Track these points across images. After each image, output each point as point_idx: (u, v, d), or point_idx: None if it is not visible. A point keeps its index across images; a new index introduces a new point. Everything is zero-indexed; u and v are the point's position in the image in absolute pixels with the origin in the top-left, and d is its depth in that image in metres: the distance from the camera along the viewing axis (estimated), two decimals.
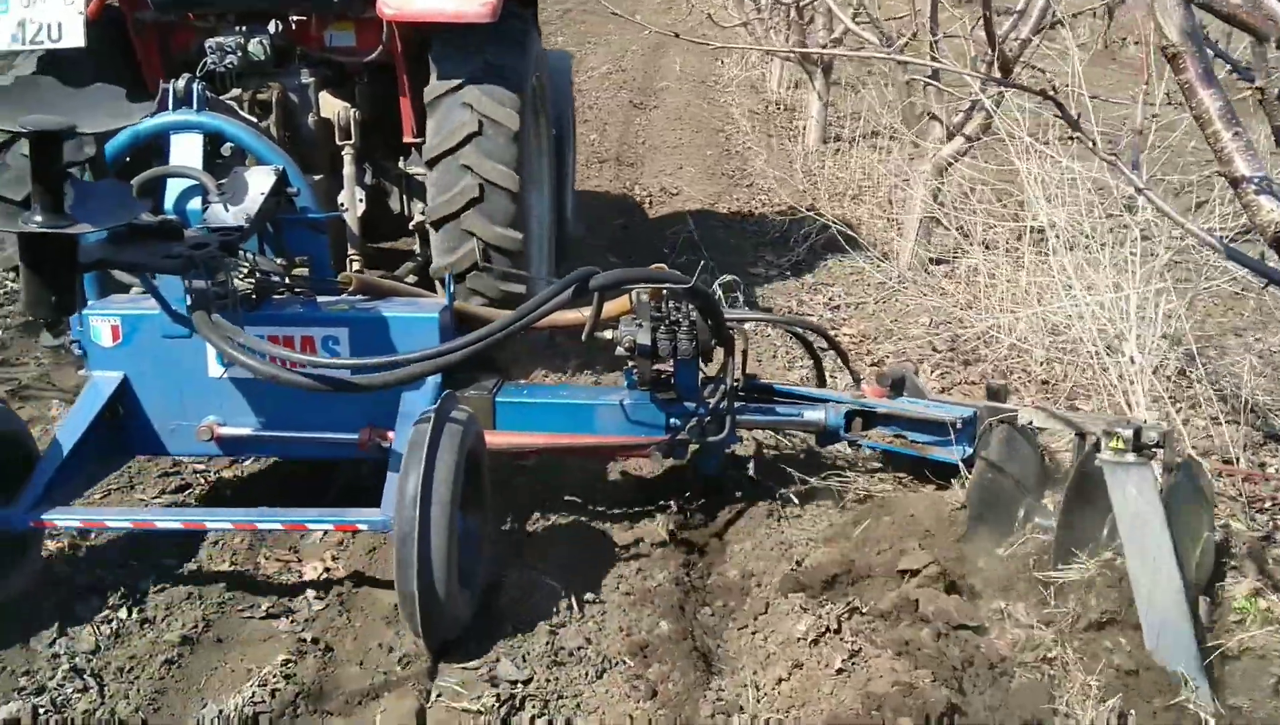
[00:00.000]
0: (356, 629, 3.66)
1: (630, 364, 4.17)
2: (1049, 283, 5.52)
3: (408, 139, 5.66)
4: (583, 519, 4.41)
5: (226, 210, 3.90)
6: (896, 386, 4.41)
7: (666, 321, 4.04)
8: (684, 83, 15.70)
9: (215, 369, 4.03)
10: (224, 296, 3.72)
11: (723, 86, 15.59)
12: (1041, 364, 5.58)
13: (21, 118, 3.03)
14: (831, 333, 4.85)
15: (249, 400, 4.09)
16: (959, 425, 4.17)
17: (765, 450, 4.89)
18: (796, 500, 4.44)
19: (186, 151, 4.27)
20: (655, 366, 4.10)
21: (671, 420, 4.19)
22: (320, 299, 4.22)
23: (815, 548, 4.04)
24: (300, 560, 4.08)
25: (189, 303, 3.59)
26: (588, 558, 4.11)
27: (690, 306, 4.05)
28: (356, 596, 3.85)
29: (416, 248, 6.06)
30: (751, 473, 4.48)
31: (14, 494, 3.69)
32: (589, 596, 3.79)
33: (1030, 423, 3.94)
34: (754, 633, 3.64)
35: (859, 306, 7.09)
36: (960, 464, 4.17)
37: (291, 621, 3.71)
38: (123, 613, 3.72)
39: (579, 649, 3.54)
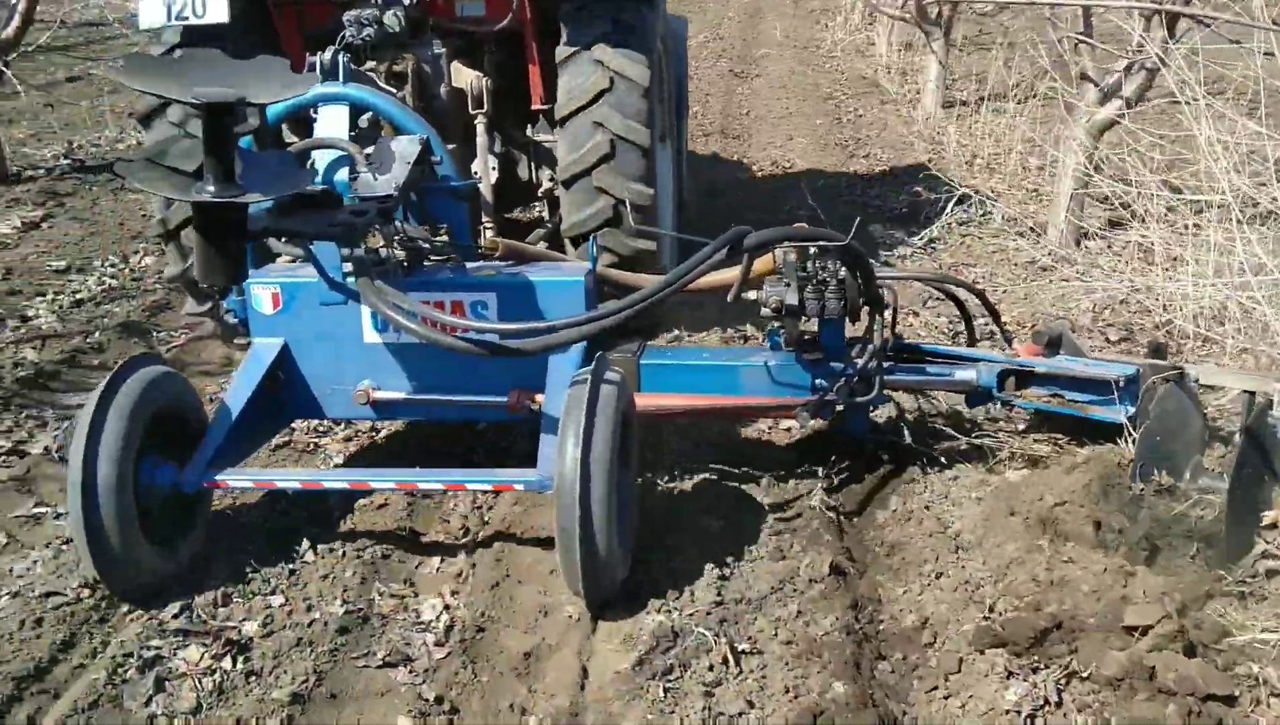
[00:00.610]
0: (483, 685, 3.34)
1: (775, 325, 4.22)
2: (1232, 262, 5.02)
3: (536, 106, 5.83)
4: (727, 484, 4.45)
5: (375, 179, 4.01)
6: (1053, 345, 4.33)
7: (814, 281, 4.07)
8: (785, 49, 15.56)
9: (370, 334, 4.20)
10: (381, 263, 3.90)
11: (826, 52, 15.40)
12: (1234, 356, 5.08)
13: (195, 89, 3.13)
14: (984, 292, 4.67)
15: (402, 364, 4.24)
16: (1121, 383, 4.10)
17: (909, 412, 4.83)
18: (946, 462, 4.44)
19: (333, 123, 4.38)
20: (801, 327, 4.14)
21: (817, 381, 4.22)
22: (468, 265, 4.34)
23: (1005, 573, 3.58)
24: (417, 594, 3.79)
25: (352, 269, 3.79)
26: (732, 535, 4.07)
27: (838, 265, 4.07)
28: (481, 643, 3.52)
29: (545, 214, 6.20)
30: (908, 438, 4.47)
31: (186, 457, 3.88)
32: (744, 646, 3.41)
33: (1196, 380, 3.92)
34: (946, 697, 3.20)
35: (1008, 289, 6.46)
36: (1125, 423, 4.08)
37: (410, 671, 3.40)
38: (226, 663, 3.42)
39: (740, 716, 3.14)
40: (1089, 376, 4.20)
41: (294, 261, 4.41)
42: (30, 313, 6.35)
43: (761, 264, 4.23)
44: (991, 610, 3.44)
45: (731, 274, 4.06)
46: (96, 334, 6.05)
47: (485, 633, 3.55)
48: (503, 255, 4.43)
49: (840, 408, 4.22)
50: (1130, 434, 4.04)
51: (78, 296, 6.60)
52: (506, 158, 6.14)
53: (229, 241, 3.45)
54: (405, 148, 4.20)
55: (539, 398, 4.08)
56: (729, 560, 3.86)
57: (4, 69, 8.48)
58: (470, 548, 4.03)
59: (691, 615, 3.54)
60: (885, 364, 4.25)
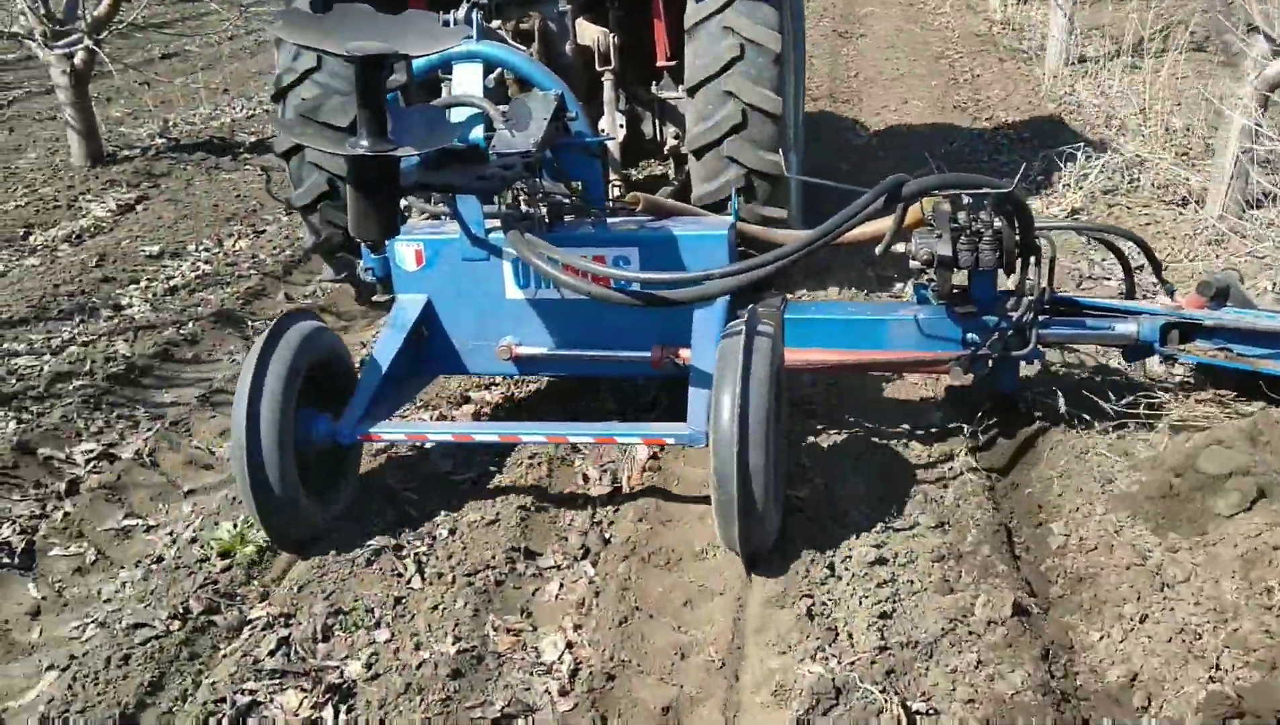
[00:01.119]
0: None
1: (925, 278, 4.04)
2: None
3: (661, 63, 5.74)
4: (875, 441, 4.37)
5: (513, 136, 3.97)
6: (1219, 296, 4.08)
7: (967, 231, 3.89)
8: (890, 6, 15.00)
9: (513, 290, 4.25)
10: (525, 218, 3.90)
11: (933, 8, 14.81)
12: None
13: (348, 43, 3.14)
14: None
15: (543, 320, 4.28)
16: None
17: (1060, 367, 4.68)
18: (1106, 427, 4.20)
19: (469, 80, 4.36)
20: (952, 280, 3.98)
21: (969, 335, 4.08)
22: (609, 220, 4.28)
23: (1226, 619, 3.12)
24: (535, 629, 3.48)
25: (497, 224, 3.78)
26: (884, 495, 3.99)
27: (992, 214, 3.89)
28: (611, 694, 3.17)
29: (670, 172, 6.05)
30: (1061, 404, 4.24)
31: (338, 411, 3.94)
32: (919, 706, 2.98)
33: None
34: None
35: (1169, 267, 5.73)
36: None
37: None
38: (328, 712, 3.12)
39: None
40: (1261, 329, 3.95)
41: (432, 219, 4.48)
42: (124, 301, 6.23)
43: (910, 215, 4.07)
44: (1217, 668, 2.95)
45: (881, 225, 4.00)
46: (190, 325, 5.89)
47: (615, 681, 3.19)
48: (643, 209, 4.31)
49: (993, 362, 4.04)
50: None
51: (171, 283, 6.49)
52: (630, 115, 5.99)
53: (383, 195, 3.42)
54: (541, 104, 4.16)
55: (683, 353, 4.08)
56: (888, 587, 3.44)
57: (97, 48, 8.44)
58: (592, 568, 3.76)
59: (853, 665, 3.11)
60: (1040, 317, 4.05)
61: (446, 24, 4.49)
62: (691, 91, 5.22)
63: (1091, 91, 8.98)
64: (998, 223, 3.88)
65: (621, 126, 5.73)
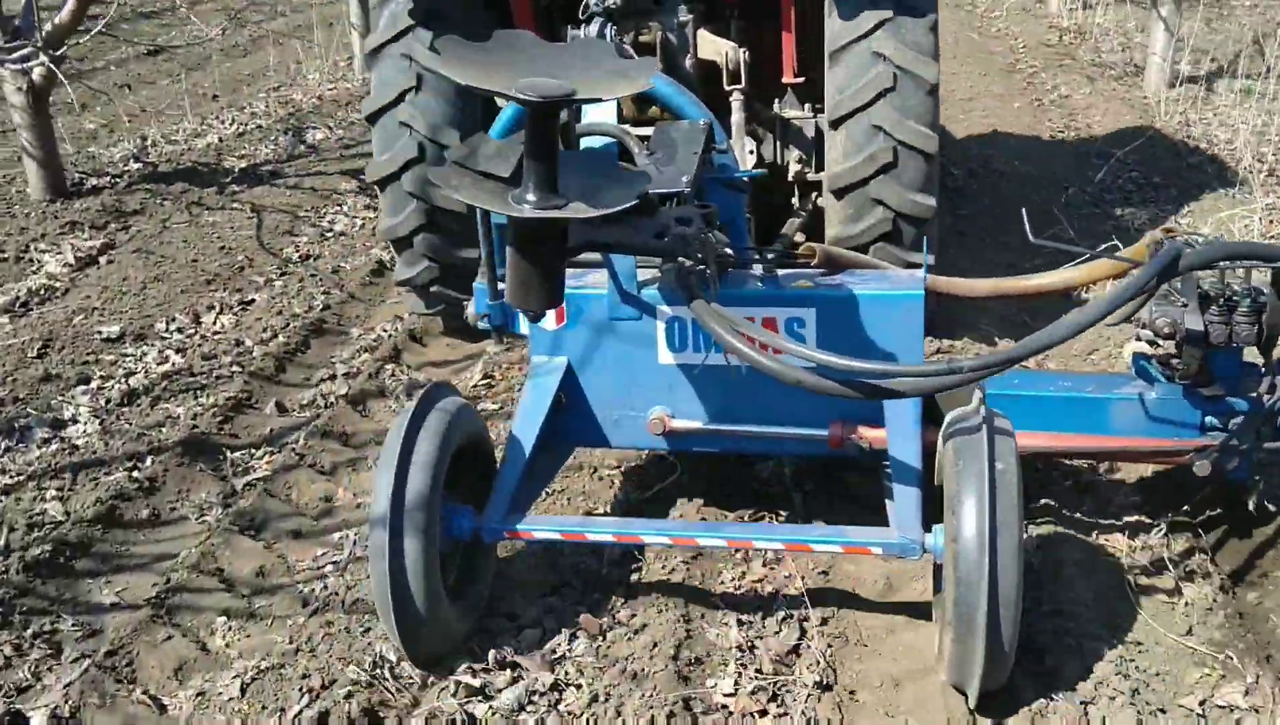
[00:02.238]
0: None
1: (1155, 350, 3.46)
2: None
3: (788, 79, 5.26)
4: (1077, 536, 3.81)
5: (659, 172, 3.52)
6: None
7: (1220, 300, 3.32)
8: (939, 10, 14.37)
9: (666, 354, 3.73)
10: (695, 273, 3.32)
11: (987, 10, 14.17)
12: None
13: (519, 82, 2.67)
14: None
15: (701, 389, 3.75)
16: None
17: None
18: None
19: (602, 107, 4.00)
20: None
21: (1207, 418, 3.56)
22: (780, 273, 3.74)
23: None
24: None
25: (675, 282, 3.28)
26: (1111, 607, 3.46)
27: (1248, 280, 3.33)
28: None
29: (795, 201, 5.49)
30: None
31: (477, 500, 3.44)
32: None
33: None
34: None
35: None
36: None
37: None
38: None
39: None
40: None
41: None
42: (67, 413, 4.83)
43: (1109, 266, 3.66)
44: None
45: (1076, 275, 3.71)
46: (149, 460, 4.45)
47: None
48: (820, 262, 3.72)
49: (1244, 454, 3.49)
50: None
51: (131, 384, 5.09)
52: (751, 136, 5.43)
53: (550, 260, 2.98)
54: (688, 134, 3.73)
55: (865, 433, 3.60)
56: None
57: (54, 65, 7.00)
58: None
59: None
60: None
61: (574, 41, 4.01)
62: (835, 124, 4.78)
63: (1217, 120, 8.41)
64: (1266, 293, 3.33)
65: (752, 154, 5.21)
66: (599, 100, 2.79)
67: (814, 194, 5.46)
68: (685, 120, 3.89)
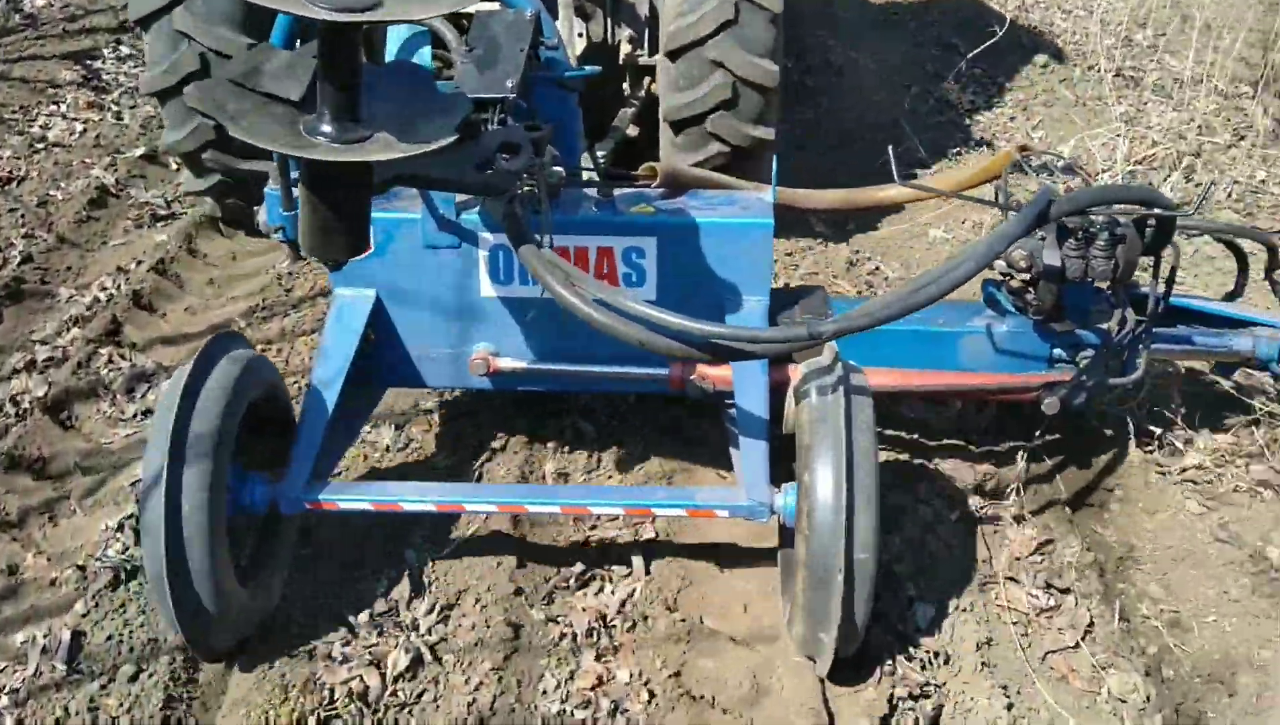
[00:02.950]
0: None
1: (1009, 282, 3.29)
2: None
3: None
4: (914, 461, 3.70)
5: (480, 73, 3.08)
6: None
7: (1077, 233, 3.14)
8: None
9: (489, 287, 3.34)
10: (523, 201, 2.89)
11: None
12: None
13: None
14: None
15: (530, 326, 3.39)
16: None
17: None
18: (1207, 461, 3.65)
19: None
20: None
21: (1057, 351, 3.43)
22: (616, 193, 3.37)
23: None
24: None
25: (506, 228, 2.83)
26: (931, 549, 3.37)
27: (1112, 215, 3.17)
28: None
29: (626, 88, 5.05)
30: (1131, 428, 3.65)
31: (279, 463, 3.02)
32: None
33: None
34: None
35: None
36: None
37: None
38: None
39: None
40: None
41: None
42: None
43: (962, 178, 3.34)
44: None
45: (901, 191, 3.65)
46: None
47: None
48: (661, 182, 3.37)
49: (1091, 389, 3.38)
50: None
51: None
52: (580, 15, 4.93)
53: (353, 201, 2.49)
54: (512, 26, 3.26)
55: (708, 372, 3.31)
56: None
57: None
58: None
59: None
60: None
61: None
62: (673, 55, 4.44)
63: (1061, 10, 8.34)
64: (1123, 227, 3.16)
65: (581, 36, 4.71)
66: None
67: (647, 79, 5.04)
68: (510, 7, 3.45)
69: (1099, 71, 6.78)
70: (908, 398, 3.72)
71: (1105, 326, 3.33)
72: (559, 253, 3.20)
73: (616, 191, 3.37)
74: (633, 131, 4.90)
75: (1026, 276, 3.23)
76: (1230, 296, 3.61)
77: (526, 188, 2.85)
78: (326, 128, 2.31)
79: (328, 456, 3.12)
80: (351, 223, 2.51)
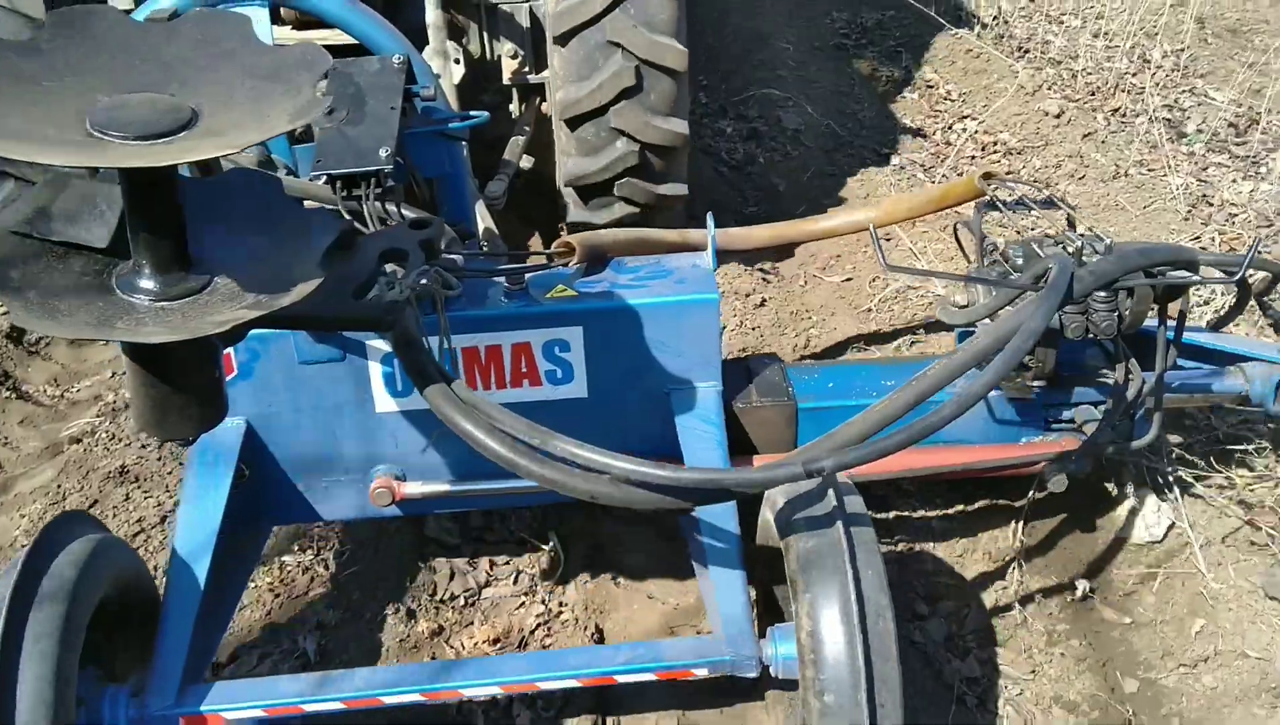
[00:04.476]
0: None
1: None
2: None
3: None
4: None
5: (346, 135, 2.59)
6: None
7: None
8: None
9: (385, 401, 2.77)
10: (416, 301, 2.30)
11: None
12: None
13: (96, 111, 1.59)
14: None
15: (440, 441, 2.81)
16: None
17: None
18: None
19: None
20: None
21: (1058, 415, 3.00)
22: (528, 277, 2.82)
23: None
24: None
25: (405, 365, 2.27)
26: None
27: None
28: None
29: (515, 107, 4.45)
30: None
31: (140, 665, 2.45)
32: None
33: None
34: None
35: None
36: None
37: None
38: None
39: None
40: None
41: None
42: None
43: (905, 206, 3.40)
44: None
45: (871, 214, 3.35)
46: None
47: None
48: (582, 257, 2.82)
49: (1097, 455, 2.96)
50: None
51: None
52: (454, 36, 4.31)
53: (196, 370, 1.90)
54: (379, 78, 2.78)
55: None
56: None
57: None
58: None
59: None
60: None
61: None
62: (561, 39, 3.92)
63: None
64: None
65: (458, 63, 4.11)
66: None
67: (537, 100, 4.44)
68: (374, 55, 2.95)
69: (1125, 116, 5.55)
70: (897, 485, 3.22)
71: (1110, 381, 2.89)
72: (465, 357, 2.69)
73: (529, 274, 2.80)
74: (526, 163, 4.31)
75: None
76: (1217, 326, 3.20)
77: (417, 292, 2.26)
78: (147, 283, 1.74)
79: (203, 649, 2.51)
80: (198, 394, 1.91)
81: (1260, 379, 3.08)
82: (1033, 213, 2.94)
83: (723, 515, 2.59)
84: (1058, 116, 5.55)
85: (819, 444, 2.16)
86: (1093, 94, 5.78)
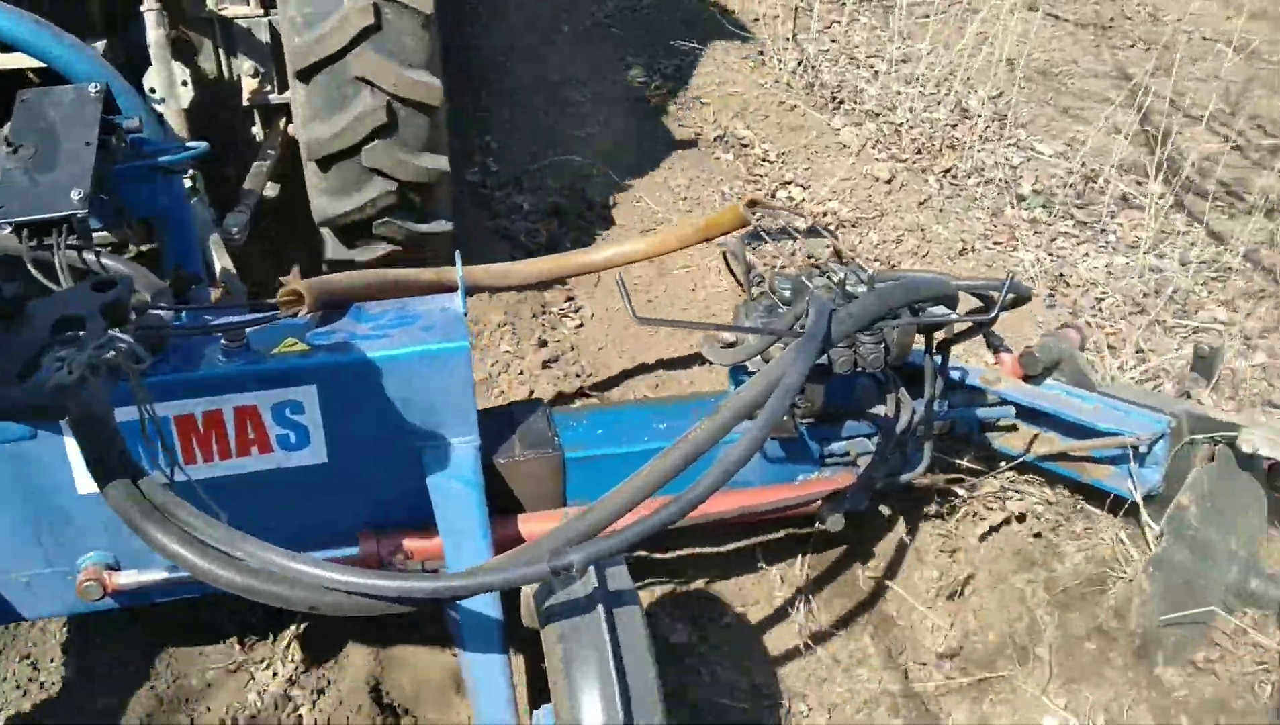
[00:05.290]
0: None
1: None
2: None
3: None
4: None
5: (33, 181, 2.32)
6: (1047, 370, 3.14)
7: None
8: None
9: (86, 481, 2.38)
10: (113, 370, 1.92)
11: None
12: None
13: None
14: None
15: None
16: (1144, 448, 2.90)
17: None
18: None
19: None
20: None
21: (830, 450, 2.91)
22: (251, 330, 2.49)
23: None
24: None
25: (84, 452, 1.92)
26: None
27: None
28: None
29: (257, 131, 4.09)
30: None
31: None
32: None
33: (1256, 450, 2.67)
34: None
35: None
36: (1138, 501, 2.92)
37: None
38: None
39: None
40: (1097, 430, 2.95)
41: None
42: None
43: (704, 229, 3.25)
44: None
45: (640, 246, 3.30)
46: None
47: None
48: (312, 306, 2.53)
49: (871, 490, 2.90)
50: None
51: None
52: (179, 45, 3.90)
53: None
54: (73, 109, 2.51)
55: (417, 548, 2.56)
56: None
57: None
58: None
59: None
60: None
61: None
62: (304, 75, 3.56)
63: None
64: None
65: (186, 84, 3.73)
66: None
67: (283, 121, 4.08)
68: (67, 84, 2.63)
69: (956, 178, 5.26)
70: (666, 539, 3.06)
71: (884, 415, 2.81)
72: (180, 426, 2.36)
73: (251, 329, 2.48)
74: (271, 191, 3.95)
75: None
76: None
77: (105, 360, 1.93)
78: None
79: None
80: None
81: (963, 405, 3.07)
82: (796, 238, 2.85)
83: (462, 552, 2.37)
84: (889, 182, 5.13)
85: (567, 530, 1.95)
86: (919, 152, 5.45)
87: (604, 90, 5.77)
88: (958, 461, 3.31)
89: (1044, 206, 5.02)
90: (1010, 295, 2.71)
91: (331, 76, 3.53)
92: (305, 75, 3.54)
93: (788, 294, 2.65)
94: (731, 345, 2.64)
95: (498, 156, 5.19)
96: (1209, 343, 3.28)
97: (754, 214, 3.04)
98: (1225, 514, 2.76)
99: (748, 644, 2.98)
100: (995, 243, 4.71)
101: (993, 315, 2.56)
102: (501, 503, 2.66)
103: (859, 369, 2.64)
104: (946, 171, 5.28)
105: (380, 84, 3.53)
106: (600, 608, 2.03)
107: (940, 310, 2.58)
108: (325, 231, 3.86)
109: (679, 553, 3.17)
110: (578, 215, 4.84)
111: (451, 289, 2.79)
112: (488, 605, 2.32)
